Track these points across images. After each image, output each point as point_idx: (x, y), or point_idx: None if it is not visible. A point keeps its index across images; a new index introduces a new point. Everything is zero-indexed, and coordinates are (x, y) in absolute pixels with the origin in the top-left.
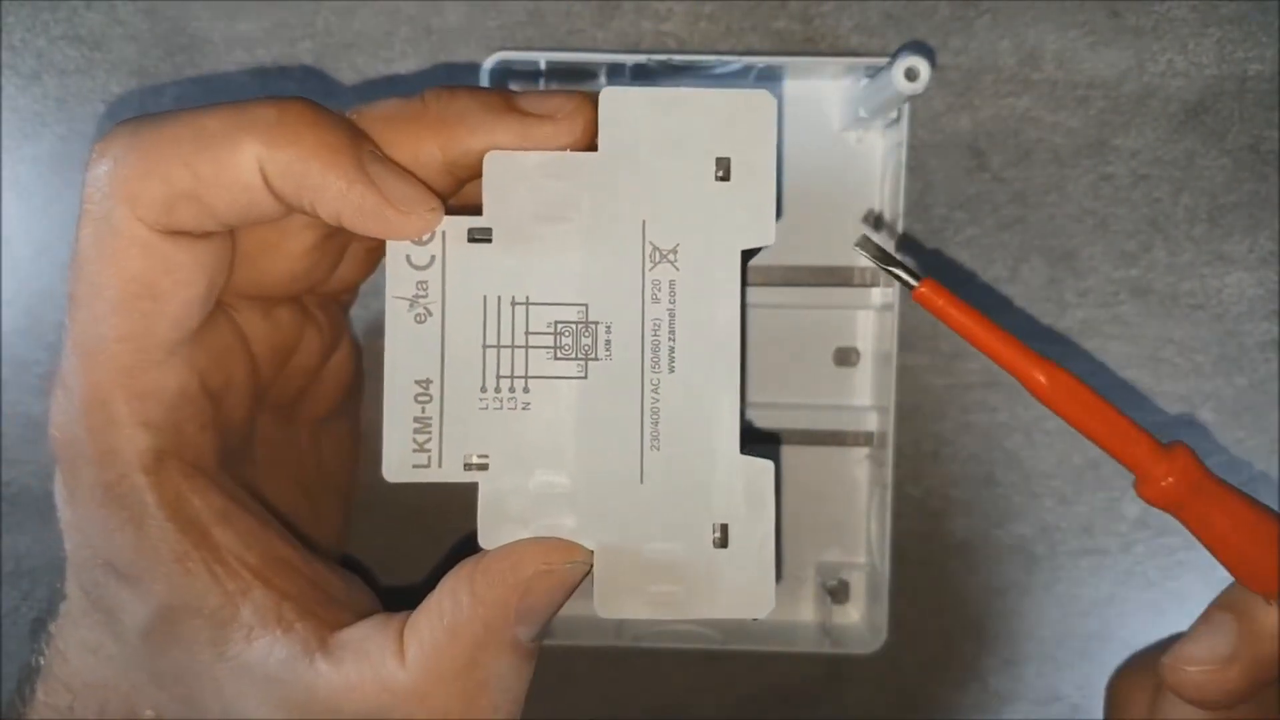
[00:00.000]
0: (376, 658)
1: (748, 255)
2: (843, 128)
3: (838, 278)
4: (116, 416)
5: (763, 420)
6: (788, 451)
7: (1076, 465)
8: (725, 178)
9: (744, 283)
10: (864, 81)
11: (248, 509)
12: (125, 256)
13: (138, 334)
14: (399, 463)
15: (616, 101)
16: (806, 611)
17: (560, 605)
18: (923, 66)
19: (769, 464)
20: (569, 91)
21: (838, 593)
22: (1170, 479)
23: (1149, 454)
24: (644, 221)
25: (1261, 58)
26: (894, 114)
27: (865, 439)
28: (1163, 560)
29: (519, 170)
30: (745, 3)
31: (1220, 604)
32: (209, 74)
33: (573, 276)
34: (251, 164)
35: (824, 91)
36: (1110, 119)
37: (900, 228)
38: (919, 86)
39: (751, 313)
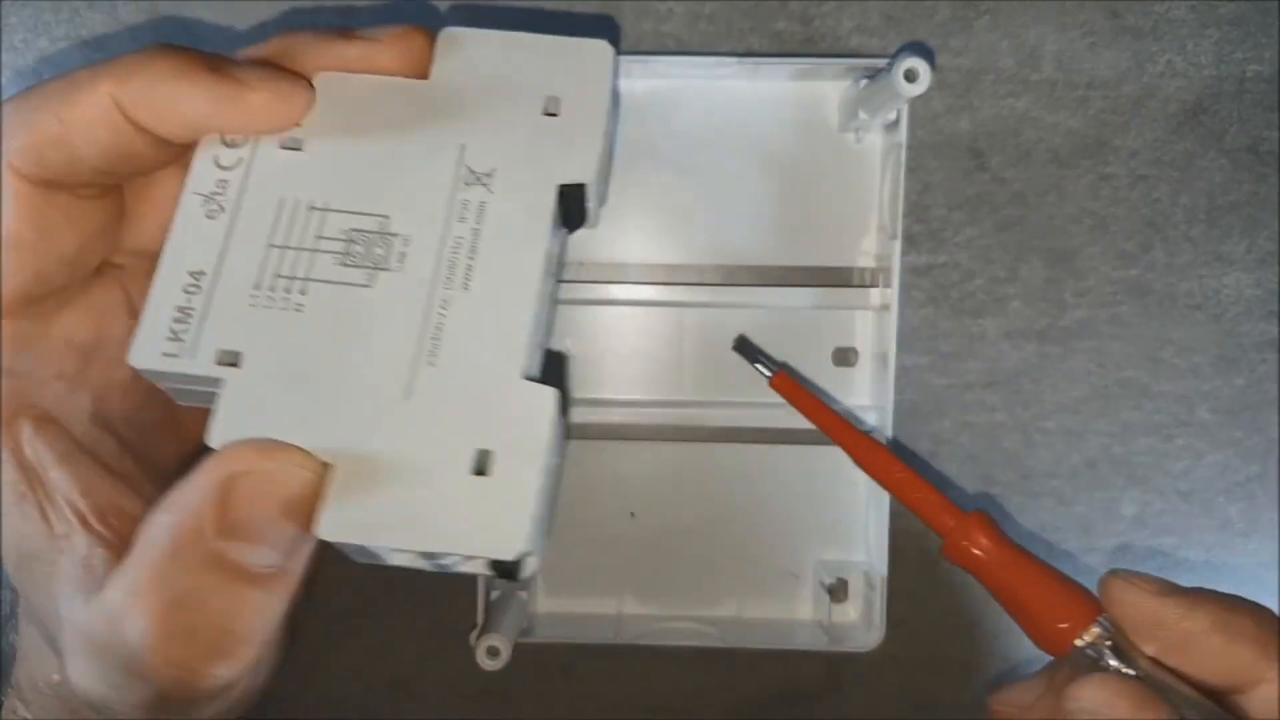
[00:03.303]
0: (109, 587)
1: (571, 192)
2: (842, 128)
3: (837, 278)
4: None
5: (762, 420)
6: (788, 451)
7: (1074, 465)
8: (554, 114)
9: (562, 218)
10: (864, 82)
11: (99, 459)
12: None
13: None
14: (148, 349)
15: (454, 39)
16: (805, 610)
17: (278, 519)
18: (923, 68)
19: (552, 392)
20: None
21: (836, 591)
22: (965, 543)
23: (952, 521)
24: (464, 145)
25: (1260, 58)
26: (894, 115)
27: None
28: (1160, 560)
29: (346, 89)
30: (745, 3)
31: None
32: None
33: (380, 189)
34: (105, 100)
35: (824, 92)
36: (1110, 119)
37: (900, 228)
38: (919, 88)
39: (751, 313)
